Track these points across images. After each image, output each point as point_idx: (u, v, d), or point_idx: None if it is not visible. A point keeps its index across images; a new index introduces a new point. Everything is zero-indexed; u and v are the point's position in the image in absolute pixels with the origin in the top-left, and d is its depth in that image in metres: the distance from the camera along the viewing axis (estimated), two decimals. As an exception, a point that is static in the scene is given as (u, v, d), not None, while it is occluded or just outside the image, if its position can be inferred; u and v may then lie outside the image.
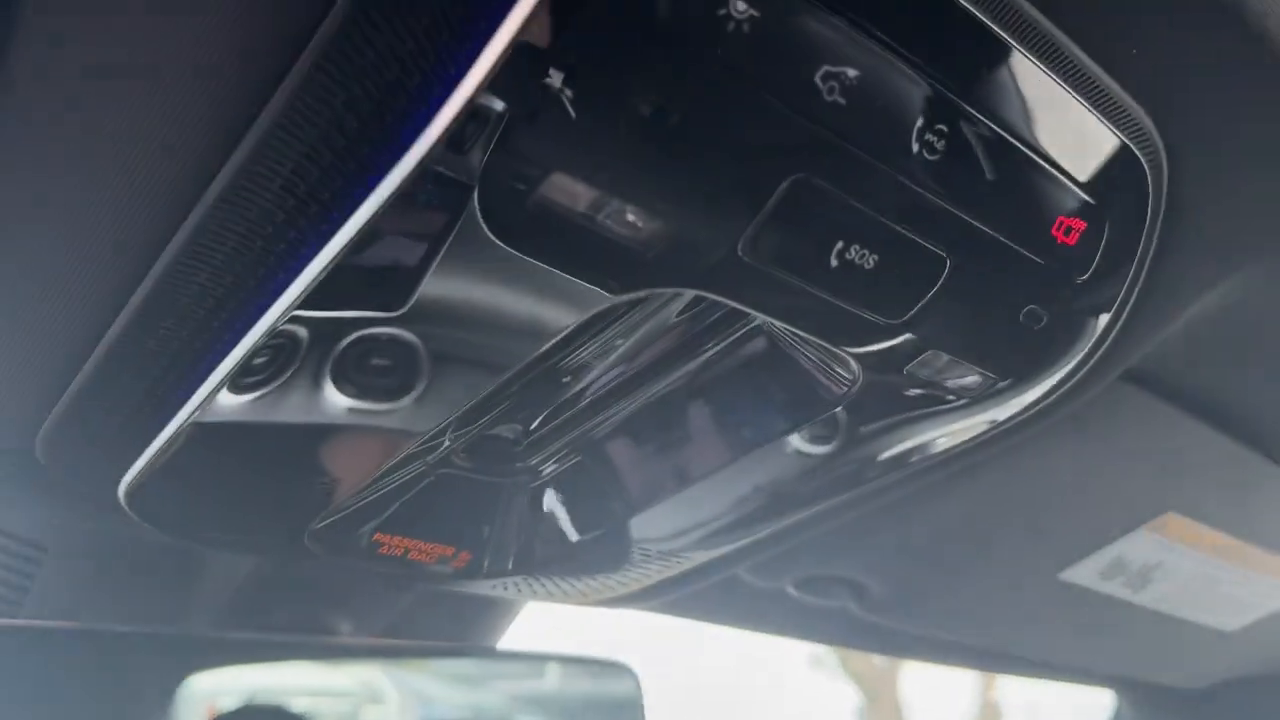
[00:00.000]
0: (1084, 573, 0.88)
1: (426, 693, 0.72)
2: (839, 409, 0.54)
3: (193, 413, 0.44)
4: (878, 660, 8.04)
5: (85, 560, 0.64)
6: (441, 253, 0.39)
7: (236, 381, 0.43)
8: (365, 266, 0.39)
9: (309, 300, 0.39)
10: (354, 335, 0.44)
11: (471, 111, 0.33)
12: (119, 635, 0.62)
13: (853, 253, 0.42)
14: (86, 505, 0.55)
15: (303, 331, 0.42)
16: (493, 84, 0.32)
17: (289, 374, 0.44)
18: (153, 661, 0.63)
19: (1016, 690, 7.91)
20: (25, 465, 0.52)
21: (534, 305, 0.42)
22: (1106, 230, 0.46)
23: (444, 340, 0.45)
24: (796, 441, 0.58)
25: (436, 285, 0.40)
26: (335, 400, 0.46)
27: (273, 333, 0.41)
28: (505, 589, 0.66)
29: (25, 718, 0.57)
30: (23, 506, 0.61)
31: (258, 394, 0.44)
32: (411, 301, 0.41)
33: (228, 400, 0.44)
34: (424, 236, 0.38)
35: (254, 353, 0.41)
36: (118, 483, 0.48)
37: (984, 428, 0.58)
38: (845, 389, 0.52)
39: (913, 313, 0.46)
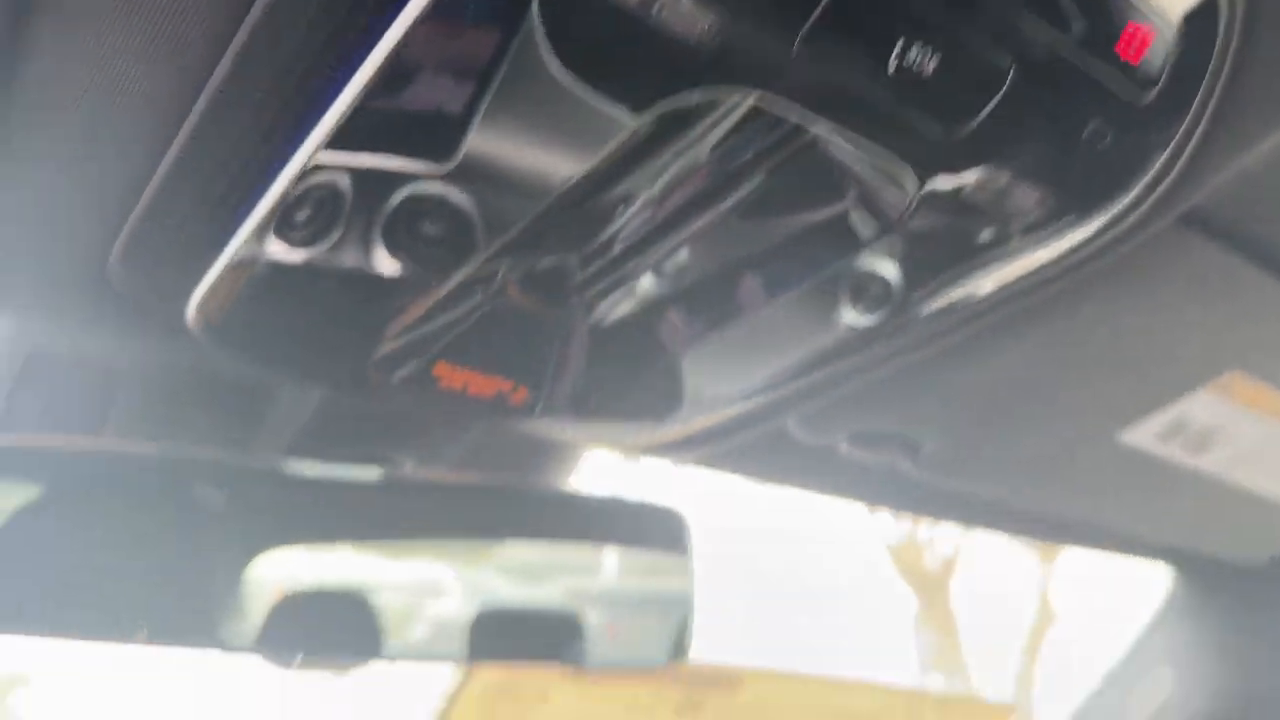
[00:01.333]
0: (1142, 434, 0.87)
1: (487, 585, 0.74)
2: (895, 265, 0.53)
3: (254, 229, 0.45)
4: (929, 563, 8.09)
5: (156, 387, 0.67)
6: (487, 96, 0.38)
7: (287, 235, 0.44)
8: (408, 109, 0.39)
9: (356, 134, 0.39)
10: (404, 193, 0.44)
11: None
12: (182, 459, 0.65)
13: (914, 52, 0.41)
14: (157, 331, 0.57)
15: (345, 181, 0.43)
16: None
17: (338, 234, 0.45)
18: (215, 481, 0.65)
19: (1071, 596, 7.93)
20: (99, 293, 0.54)
21: (583, 125, 0.42)
22: (1175, 52, 0.45)
23: (490, 191, 0.45)
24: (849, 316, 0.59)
25: (484, 139, 0.40)
26: (388, 267, 0.47)
27: (322, 147, 0.41)
28: (560, 430, 0.68)
29: (100, 534, 0.61)
30: (96, 334, 0.64)
31: (308, 250, 0.45)
32: (460, 154, 0.41)
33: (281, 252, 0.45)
34: (470, 70, 0.38)
35: (309, 170, 0.42)
36: (185, 305, 0.50)
37: (1039, 265, 0.57)
38: (902, 210, 0.51)
39: (975, 123, 0.45)
